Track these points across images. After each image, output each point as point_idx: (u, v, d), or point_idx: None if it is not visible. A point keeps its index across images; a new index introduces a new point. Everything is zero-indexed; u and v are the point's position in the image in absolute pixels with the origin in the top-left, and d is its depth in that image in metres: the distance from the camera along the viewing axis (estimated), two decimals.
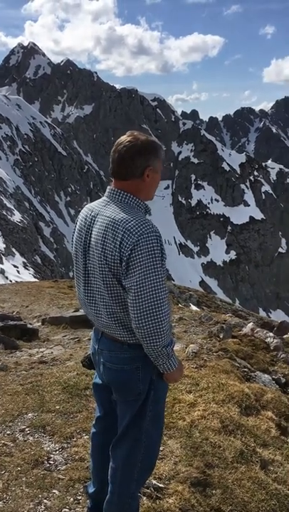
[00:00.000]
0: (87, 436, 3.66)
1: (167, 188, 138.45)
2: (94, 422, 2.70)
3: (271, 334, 6.74)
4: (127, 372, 2.28)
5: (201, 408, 4.15)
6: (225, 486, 3.28)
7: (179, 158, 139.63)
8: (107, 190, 2.31)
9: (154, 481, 3.17)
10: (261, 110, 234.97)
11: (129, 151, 2.22)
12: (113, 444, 2.44)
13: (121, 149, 2.23)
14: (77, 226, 2.42)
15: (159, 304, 2.08)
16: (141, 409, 2.32)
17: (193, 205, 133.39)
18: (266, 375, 5.55)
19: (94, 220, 2.27)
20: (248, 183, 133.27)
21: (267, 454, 3.83)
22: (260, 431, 4.13)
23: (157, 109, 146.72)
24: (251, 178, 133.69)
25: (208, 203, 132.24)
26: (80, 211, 2.48)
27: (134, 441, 2.36)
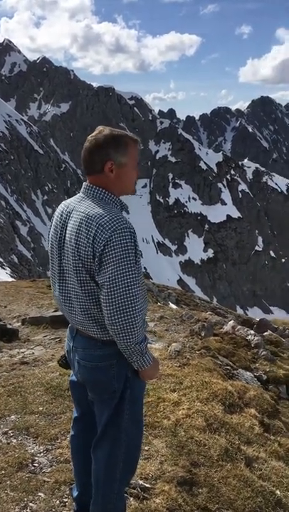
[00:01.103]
0: None
1: (145, 186, 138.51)
2: (72, 424, 2.67)
3: (252, 332, 6.80)
4: (101, 369, 2.25)
5: (186, 407, 4.15)
6: (211, 484, 3.28)
7: (157, 157, 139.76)
8: (83, 185, 2.30)
9: (141, 481, 3.16)
10: (237, 110, 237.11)
11: (89, 146, 2.21)
12: (93, 444, 2.41)
13: (86, 145, 2.23)
14: (53, 222, 2.40)
15: (131, 300, 2.06)
16: (118, 407, 2.30)
17: (170, 203, 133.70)
18: (248, 373, 5.59)
19: (69, 216, 2.25)
20: (224, 182, 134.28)
21: (251, 451, 3.85)
22: (244, 428, 4.16)
23: (135, 108, 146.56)
24: (228, 177, 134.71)
25: (186, 202, 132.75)
26: None
27: (114, 441, 2.33)
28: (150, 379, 2.39)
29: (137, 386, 2.35)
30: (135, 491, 3.05)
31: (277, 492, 3.42)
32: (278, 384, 5.77)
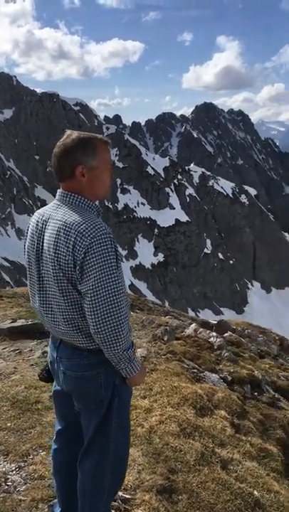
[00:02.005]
0: (44, 453, 3.50)
1: None
2: (54, 438, 2.57)
3: (214, 334, 6.86)
4: (88, 378, 2.19)
5: (158, 413, 4.11)
6: (190, 490, 3.26)
7: None
8: (57, 192, 2.23)
9: (121, 493, 3.08)
10: (182, 115, 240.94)
11: (58, 152, 2.16)
12: (80, 456, 2.33)
13: (55, 151, 2.18)
14: (28, 232, 2.32)
15: (116, 307, 2.02)
16: (106, 417, 2.25)
17: (119, 209, 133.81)
18: (214, 375, 5.63)
19: (45, 225, 2.18)
20: (172, 187, 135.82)
21: (225, 453, 3.87)
22: (217, 431, 4.17)
23: (80, 114, 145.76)
24: (175, 181, 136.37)
25: (135, 207, 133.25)
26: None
27: (102, 451, 2.27)
28: (137, 385, 2.35)
29: (124, 393, 2.30)
30: (116, 503, 2.97)
31: (255, 493, 3.44)
32: (243, 384, 5.83)
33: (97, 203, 2.27)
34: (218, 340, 6.72)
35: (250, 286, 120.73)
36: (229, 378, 5.75)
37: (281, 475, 4.08)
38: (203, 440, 3.90)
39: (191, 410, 4.29)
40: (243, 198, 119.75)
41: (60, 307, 2.14)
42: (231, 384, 5.71)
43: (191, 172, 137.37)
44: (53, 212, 2.17)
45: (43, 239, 2.17)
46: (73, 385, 2.24)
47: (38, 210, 2.33)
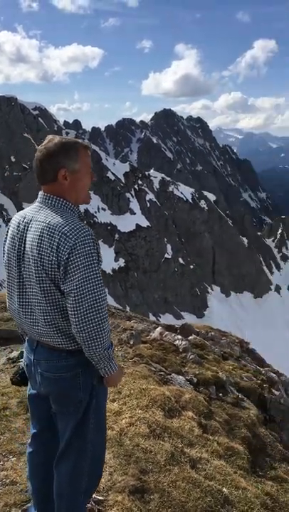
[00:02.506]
0: (14, 459, 3.48)
1: None
2: (29, 441, 2.58)
3: (179, 337, 6.96)
4: (67, 380, 2.23)
5: (128, 415, 4.16)
6: (162, 489, 3.32)
7: None
8: (39, 195, 2.27)
9: (94, 495, 3.10)
10: (142, 121, 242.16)
11: (41, 156, 2.21)
12: (57, 458, 2.35)
13: (37, 155, 2.23)
14: (9, 234, 2.34)
15: (99, 306, 2.07)
16: (83, 418, 2.28)
17: (80, 214, 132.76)
18: (180, 377, 5.72)
19: (27, 227, 2.21)
20: (132, 192, 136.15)
21: (194, 453, 3.95)
22: (185, 431, 4.25)
23: (39, 118, 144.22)
24: (136, 187, 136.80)
25: (95, 212, 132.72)
26: None
27: (79, 452, 2.30)
28: (115, 385, 2.38)
29: (101, 395, 2.34)
30: (89, 505, 2.99)
31: (224, 490, 3.54)
32: (208, 385, 5.95)
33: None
34: (184, 343, 6.83)
35: (210, 290, 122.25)
36: (195, 380, 5.85)
37: (248, 472, 4.20)
38: (173, 441, 3.97)
39: (159, 412, 4.36)
40: (203, 204, 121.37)
41: (41, 308, 2.17)
42: (197, 385, 5.81)
43: (151, 177, 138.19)
44: (35, 214, 2.21)
45: (25, 240, 2.20)
46: (52, 387, 2.26)
47: (19, 212, 2.35)
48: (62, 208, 2.21)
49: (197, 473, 3.64)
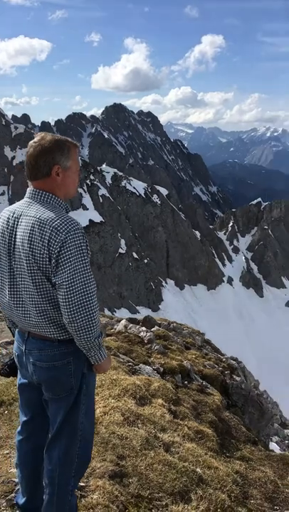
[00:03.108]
0: None
1: (3, 194, 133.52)
2: (19, 429, 2.64)
3: (143, 328, 7.11)
4: (59, 368, 2.31)
5: (101, 405, 4.26)
6: (139, 472, 3.45)
7: (13, 163, 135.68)
8: (28, 191, 2.33)
9: None
10: (92, 116, 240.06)
11: (34, 152, 2.28)
12: (48, 445, 2.43)
13: (30, 151, 2.29)
14: None
15: (89, 297, 2.17)
16: (74, 404, 2.37)
17: None
18: (148, 367, 5.87)
19: (17, 221, 2.27)
20: (85, 187, 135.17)
21: (167, 437, 4.11)
22: (157, 417, 4.40)
23: None
24: (88, 182, 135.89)
25: None
26: None
27: (71, 438, 2.39)
28: (104, 372, 2.49)
29: (91, 382, 2.43)
30: None
31: (198, 470, 3.71)
32: (174, 374, 6.14)
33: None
34: (148, 334, 6.99)
35: (164, 284, 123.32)
36: (161, 369, 6.03)
37: (217, 453, 4.41)
38: (146, 427, 4.12)
39: (131, 400, 4.49)
40: (155, 198, 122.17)
41: (33, 300, 2.24)
42: (164, 374, 5.99)
43: (104, 172, 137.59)
44: (25, 209, 2.27)
45: (15, 235, 2.26)
46: (44, 375, 2.33)
47: (8, 207, 2.41)
48: (51, 203, 2.29)
49: (171, 455, 3.80)
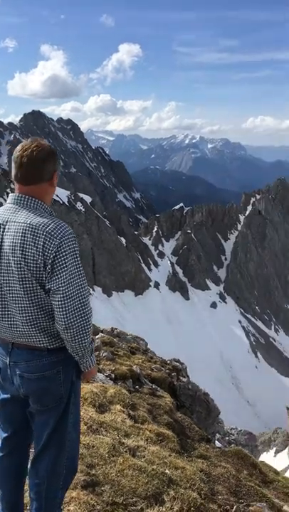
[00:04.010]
0: None
1: None
2: (0, 445, 2.53)
3: None
4: (48, 378, 2.26)
5: None
6: (111, 480, 3.43)
7: None
8: (12, 196, 2.24)
9: None
10: (10, 123, 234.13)
11: (40, 155, 2.22)
12: (35, 458, 2.36)
13: (30, 153, 2.20)
14: None
15: (85, 302, 2.16)
16: (64, 413, 2.33)
17: None
18: (100, 374, 5.82)
19: (4, 228, 2.19)
20: (5, 196, 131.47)
21: (131, 442, 4.11)
22: (118, 423, 4.39)
23: None
24: (8, 190, 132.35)
25: None
26: None
27: (59, 449, 2.34)
28: (91, 379, 2.46)
29: (78, 389, 2.39)
30: None
31: (167, 471, 3.75)
32: (125, 379, 6.15)
33: None
34: (96, 341, 6.93)
35: (91, 291, 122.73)
36: (113, 376, 6.00)
37: (179, 453, 4.47)
38: (110, 433, 4.09)
39: (91, 408, 4.44)
40: (79, 206, 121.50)
41: (23, 308, 2.16)
42: (115, 380, 5.97)
43: None
44: (11, 216, 2.18)
45: (2, 242, 2.17)
46: (33, 387, 2.25)
47: None
48: (38, 208, 2.23)
49: (139, 460, 3.80)
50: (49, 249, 2.08)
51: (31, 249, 2.10)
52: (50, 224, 2.13)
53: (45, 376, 2.24)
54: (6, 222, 2.20)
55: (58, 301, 2.10)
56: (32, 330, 2.19)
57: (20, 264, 2.12)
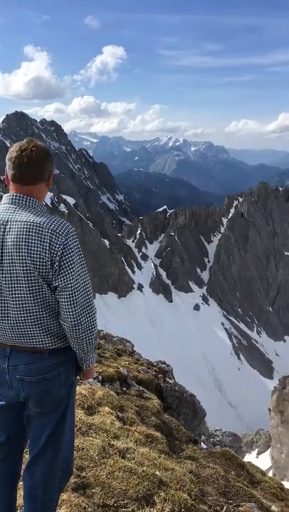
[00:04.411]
0: None
1: None
2: None
3: None
4: (49, 380, 2.24)
5: None
6: (102, 482, 3.41)
7: None
8: (9, 196, 2.21)
9: None
10: None
11: (40, 155, 2.21)
12: (32, 461, 2.34)
13: (29, 153, 2.19)
14: None
15: (90, 298, 2.18)
16: (62, 415, 2.32)
17: None
18: None
19: (5, 228, 2.16)
20: None
21: (121, 444, 4.09)
22: (108, 425, 4.38)
23: None
24: None
25: None
26: None
27: (55, 451, 2.33)
28: (91, 377, 2.46)
29: (75, 391, 2.38)
30: None
31: (157, 473, 3.74)
32: (112, 381, 6.13)
33: None
34: None
35: None
36: (100, 378, 5.98)
37: (168, 455, 4.47)
38: (99, 435, 4.07)
39: (80, 411, 4.42)
40: (63, 208, 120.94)
41: (27, 308, 2.14)
42: (103, 382, 5.96)
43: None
44: (12, 215, 2.16)
45: (4, 242, 2.14)
46: (35, 389, 2.23)
47: None
48: (36, 207, 2.22)
49: (129, 461, 3.79)
50: (56, 247, 2.08)
51: (37, 247, 2.09)
52: (54, 222, 2.14)
53: (47, 378, 2.22)
54: (7, 221, 2.17)
55: (67, 297, 2.10)
56: (35, 330, 2.18)
57: (26, 262, 2.10)
